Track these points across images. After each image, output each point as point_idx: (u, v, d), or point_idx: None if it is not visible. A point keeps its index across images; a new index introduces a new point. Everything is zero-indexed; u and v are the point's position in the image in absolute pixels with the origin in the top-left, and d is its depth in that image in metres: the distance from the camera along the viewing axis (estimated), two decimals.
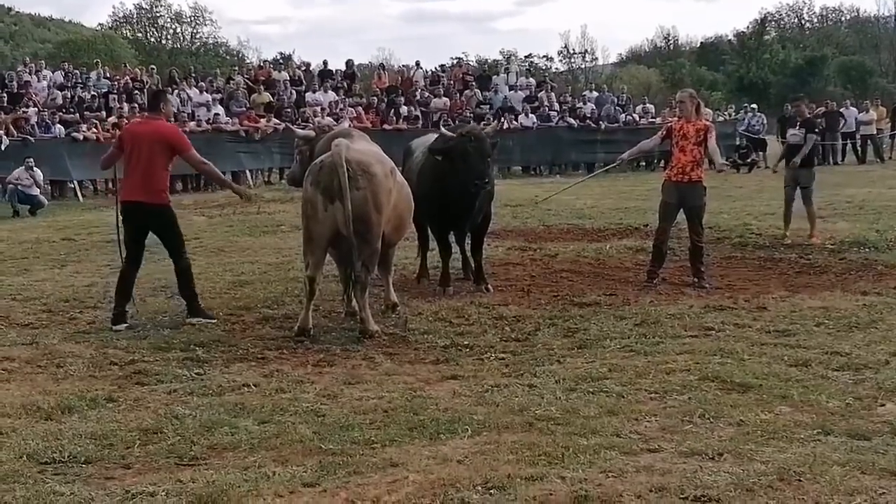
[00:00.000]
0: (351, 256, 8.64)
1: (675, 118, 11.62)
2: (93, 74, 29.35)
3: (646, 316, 9.20)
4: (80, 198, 23.88)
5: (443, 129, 10.75)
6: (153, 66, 33.57)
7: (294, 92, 30.30)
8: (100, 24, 69.86)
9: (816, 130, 14.98)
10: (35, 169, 21.06)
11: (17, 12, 69.48)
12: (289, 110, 28.50)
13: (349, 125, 11.97)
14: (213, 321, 9.27)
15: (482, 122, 29.23)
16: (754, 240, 14.24)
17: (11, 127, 23.72)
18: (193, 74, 31.90)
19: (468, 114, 30.57)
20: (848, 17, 76.86)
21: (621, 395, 6.69)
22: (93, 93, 27.26)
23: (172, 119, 9.88)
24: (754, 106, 35.41)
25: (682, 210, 11.15)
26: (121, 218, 9.47)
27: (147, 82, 29.24)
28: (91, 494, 5.13)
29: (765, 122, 33.90)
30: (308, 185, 8.81)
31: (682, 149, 10.99)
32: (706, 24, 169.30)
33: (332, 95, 30.17)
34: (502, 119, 28.12)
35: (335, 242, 8.79)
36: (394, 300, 9.72)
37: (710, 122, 11.93)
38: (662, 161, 24.01)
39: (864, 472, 5.19)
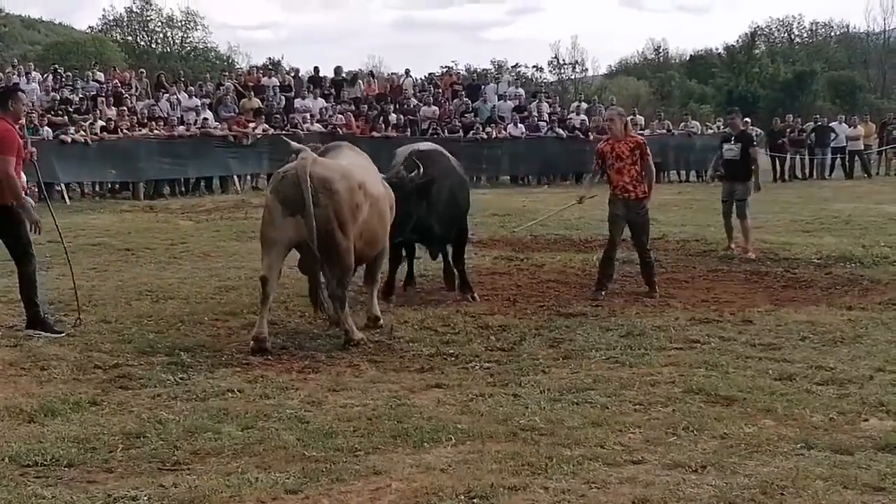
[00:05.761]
0: (314, 267, 8.62)
1: (604, 140, 11.37)
2: (88, 75, 29.30)
3: (631, 327, 9.21)
4: (67, 200, 23.79)
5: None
6: (143, 70, 33.49)
7: (283, 98, 30.26)
8: (90, 26, 69.55)
9: (754, 144, 15.24)
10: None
11: (7, 13, 69.10)
12: (278, 116, 28.46)
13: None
14: (61, 335, 8.91)
15: (472, 132, 29.56)
16: (740, 253, 14.27)
17: None
18: (183, 79, 31.85)
19: (457, 122, 30.59)
20: (838, 32, 76.95)
21: (606, 406, 6.69)
22: (81, 95, 27.17)
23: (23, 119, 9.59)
24: (748, 119, 35.23)
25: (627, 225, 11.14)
26: None
27: (136, 86, 29.19)
28: (73, 498, 5.12)
29: (759, 134, 33.86)
30: (269, 192, 8.92)
31: (619, 170, 10.94)
32: (696, 38, 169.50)
33: (321, 102, 30.14)
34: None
35: (300, 252, 8.76)
36: (376, 314, 9.45)
37: (643, 138, 11.62)
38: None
39: (847, 486, 5.20)
